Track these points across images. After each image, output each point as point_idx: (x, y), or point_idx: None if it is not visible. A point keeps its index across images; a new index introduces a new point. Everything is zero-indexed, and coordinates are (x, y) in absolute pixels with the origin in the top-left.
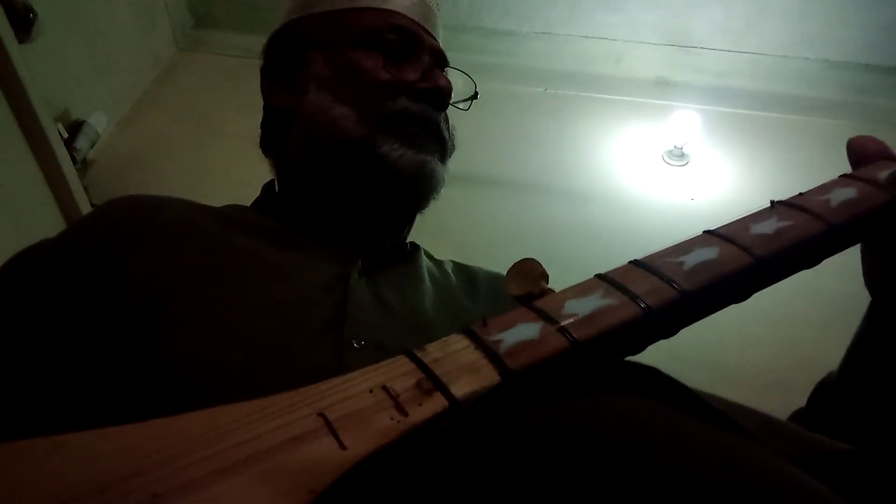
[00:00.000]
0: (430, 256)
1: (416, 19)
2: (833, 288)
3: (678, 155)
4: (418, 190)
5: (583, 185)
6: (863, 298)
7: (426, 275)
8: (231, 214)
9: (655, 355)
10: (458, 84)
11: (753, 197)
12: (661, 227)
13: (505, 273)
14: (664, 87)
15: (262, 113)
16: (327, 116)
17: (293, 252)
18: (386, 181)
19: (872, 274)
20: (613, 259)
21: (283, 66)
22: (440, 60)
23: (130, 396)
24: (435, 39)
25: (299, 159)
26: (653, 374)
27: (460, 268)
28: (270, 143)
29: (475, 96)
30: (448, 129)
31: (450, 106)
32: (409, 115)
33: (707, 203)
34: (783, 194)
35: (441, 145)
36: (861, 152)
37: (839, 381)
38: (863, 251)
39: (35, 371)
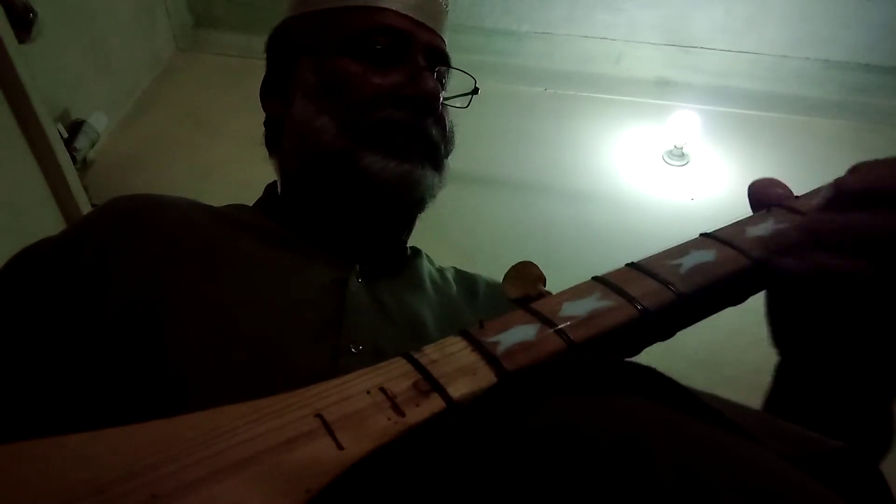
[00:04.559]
0: (431, 262)
1: (413, 15)
2: None
3: (678, 155)
4: (403, 199)
5: (583, 185)
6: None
7: (427, 281)
8: (232, 215)
9: (654, 355)
10: (459, 81)
11: None
12: (660, 228)
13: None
14: (664, 87)
15: (262, 113)
16: (311, 127)
17: (292, 254)
18: (369, 193)
19: (778, 330)
20: (613, 259)
21: (276, 70)
22: (437, 58)
23: (128, 396)
24: (436, 34)
25: (295, 165)
26: (649, 374)
27: (461, 275)
28: (272, 144)
29: (475, 92)
30: (444, 129)
31: (448, 103)
32: (392, 124)
33: (707, 203)
34: None
35: (430, 151)
36: (762, 197)
37: None
38: (767, 309)
39: (36, 370)
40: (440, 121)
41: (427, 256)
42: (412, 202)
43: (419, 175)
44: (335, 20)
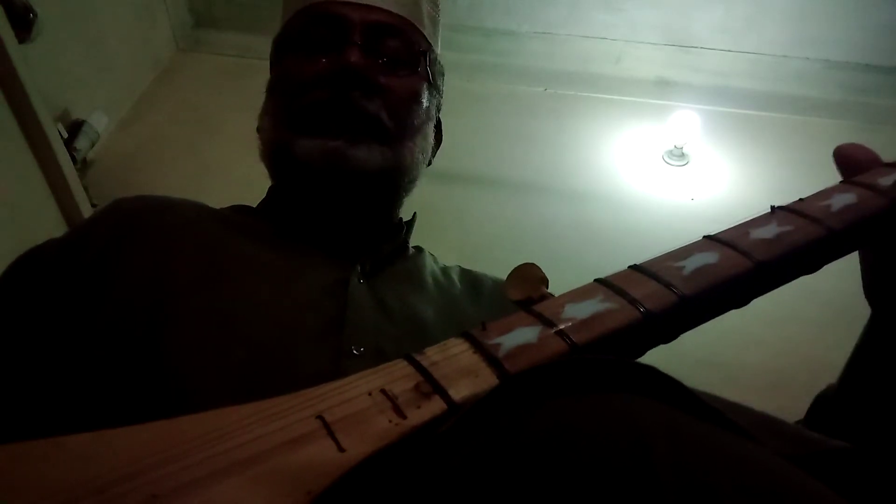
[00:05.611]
0: (436, 261)
1: None
2: (833, 288)
3: (678, 155)
4: (335, 177)
5: (583, 185)
6: (863, 298)
7: (429, 280)
8: (235, 217)
9: (655, 355)
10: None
11: (753, 197)
12: (661, 228)
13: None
14: (664, 87)
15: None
16: (261, 130)
17: (294, 256)
18: (304, 178)
19: (871, 284)
20: (613, 259)
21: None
22: (381, 32)
23: (129, 397)
24: (381, 10)
25: (268, 171)
26: (650, 373)
27: (466, 274)
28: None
29: None
30: (392, 101)
31: (401, 75)
32: (318, 105)
33: (707, 203)
34: (783, 194)
35: (363, 124)
36: (849, 161)
37: (839, 393)
38: (862, 262)
39: (38, 371)
40: (377, 91)
41: (431, 255)
42: (352, 179)
43: (346, 151)
44: (286, 27)
